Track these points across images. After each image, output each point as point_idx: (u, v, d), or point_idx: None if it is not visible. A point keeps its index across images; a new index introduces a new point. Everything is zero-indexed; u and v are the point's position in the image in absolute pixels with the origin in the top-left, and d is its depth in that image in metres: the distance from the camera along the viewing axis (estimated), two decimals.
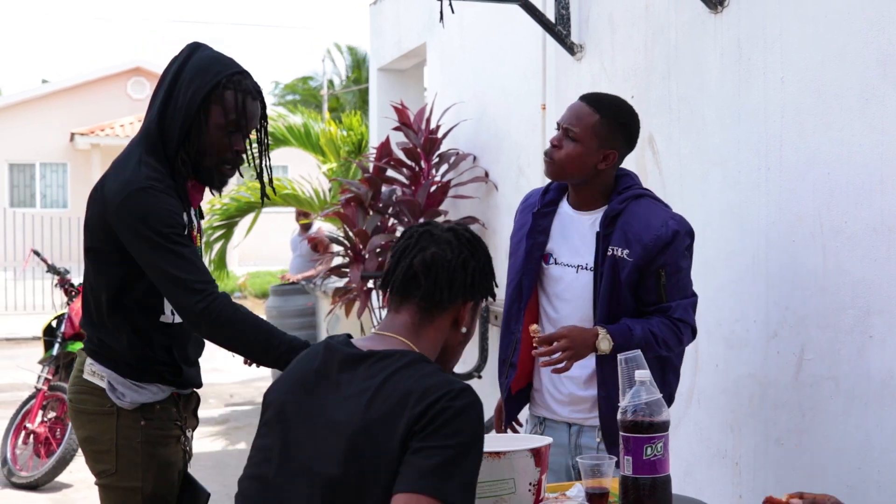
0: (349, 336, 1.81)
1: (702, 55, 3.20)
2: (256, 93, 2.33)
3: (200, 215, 2.50)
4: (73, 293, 6.18)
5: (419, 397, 1.60)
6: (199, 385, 2.46)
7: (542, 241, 2.61)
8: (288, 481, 1.67)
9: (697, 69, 3.23)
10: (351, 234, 5.17)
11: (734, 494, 3.07)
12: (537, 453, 1.96)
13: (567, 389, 2.59)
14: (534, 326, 2.47)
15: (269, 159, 2.47)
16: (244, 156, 2.37)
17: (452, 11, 3.75)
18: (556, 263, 2.60)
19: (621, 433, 1.95)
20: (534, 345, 2.45)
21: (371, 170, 5.24)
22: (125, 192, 2.20)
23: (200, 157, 2.28)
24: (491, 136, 5.04)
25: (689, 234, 2.55)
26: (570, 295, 2.57)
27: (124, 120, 21.46)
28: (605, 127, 2.51)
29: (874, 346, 2.51)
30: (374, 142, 7.18)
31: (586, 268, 2.54)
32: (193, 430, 2.48)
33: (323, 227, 8.17)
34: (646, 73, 3.53)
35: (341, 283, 5.46)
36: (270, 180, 2.50)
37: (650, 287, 2.49)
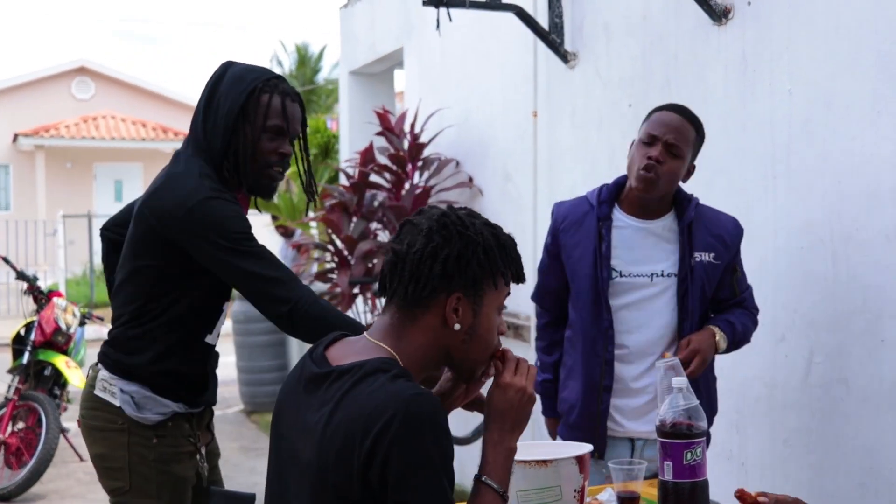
0: (334, 339, 1.66)
1: (705, 65, 3.26)
2: (294, 95, 2.30)
3: None
4: (43, 300, 6.06)
5: (364, 428, 1.45)
6: (214, 402, 2.43)
7: (608, 255, 2.56)
8: None
9: (700, 79, 3.29)
10: (337, 239, 5.16)
11: None
12: (581, 460, 1.99)
13: (634, 404, 2.61)
14: (668, 355, 2.38)
15: (310, 164, 2.42)
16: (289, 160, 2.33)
17: (451, 20, 3.78)
18: (621, 276, 2.56)
19: (660, 439, 1.99)
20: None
21: (357, 175, 5.23)
22: (191, 203, 2.16)
23: (245, 164, 2.24)
24: (475, 141, 5.06)
25: None
26: (645, 305, 2.56)
27: (69, 121, 20.96)
28: (698, 143, 2.60)
29: (886, 350, 2.60)
30: (344, 145, 7.15)
31: (662, 275, 2.55)
32: (207, 446, 2.43)
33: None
34: (643, 81, 3.59)
35: (324, 287, 5.43)
36: (313, 185, 2.43)
37: (726, 284, 2.62)
